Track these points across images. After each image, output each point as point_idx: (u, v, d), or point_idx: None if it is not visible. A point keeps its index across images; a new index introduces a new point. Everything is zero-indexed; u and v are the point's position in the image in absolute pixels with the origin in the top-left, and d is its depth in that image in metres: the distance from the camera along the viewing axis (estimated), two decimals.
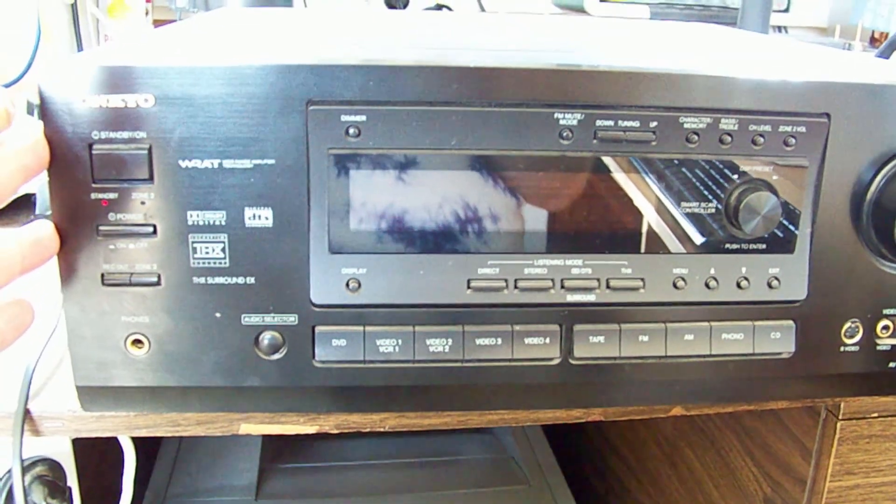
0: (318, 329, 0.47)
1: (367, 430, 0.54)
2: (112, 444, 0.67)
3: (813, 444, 0.65)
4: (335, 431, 0.54)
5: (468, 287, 0.48)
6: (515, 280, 0.48)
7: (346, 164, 0.46)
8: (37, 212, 0.69)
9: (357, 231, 0.47)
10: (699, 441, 0.80)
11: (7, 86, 0.79)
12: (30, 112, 0.74)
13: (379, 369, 0.48)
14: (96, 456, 0.76)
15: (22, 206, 0.74)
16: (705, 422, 0.80)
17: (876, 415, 0.63)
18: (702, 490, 0.80)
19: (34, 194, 0.70)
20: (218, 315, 0.47)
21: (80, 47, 1.10)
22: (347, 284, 0.47)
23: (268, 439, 0.87)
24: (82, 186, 0.45)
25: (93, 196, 0.45)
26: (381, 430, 0.54)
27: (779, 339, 0.51)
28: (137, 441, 0.69)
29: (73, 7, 1.05)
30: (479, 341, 0.48)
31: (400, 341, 0.48)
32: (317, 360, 0.48)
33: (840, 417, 0.63)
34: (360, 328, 0.48)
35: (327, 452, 0.88)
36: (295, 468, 0.85)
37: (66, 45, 1.08)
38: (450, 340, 0.48)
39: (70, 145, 0.44)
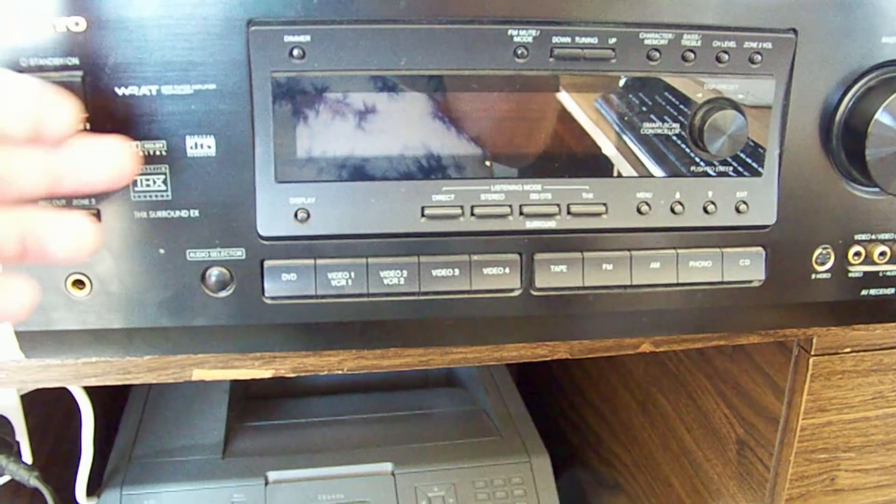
0: (267, 263, 0.45)
1: (325, 372, 0.52)
2: (72, 406, 0.65)
3: (785, 382, 0.64)
4: (291, 375, 0.52)
5: (422, 215, 0.46)
6: (472, 207, 0.46)
7: (290, 87, 0.43)
8: None
9: (304, 159, 0.44)
10: (671, 385, 0.79)
11: None
12: None
13: (332, 304, 0.46)
14: (56, 419, 0.74)
15: None
16: (676, 365, 0.78)
17: (848, 350, 0.62)
18: (675, 436, 0.79)
19: None
20: (162, 251, 0.45)
21: None
22: (296, 215, 0.45)
23: (235, 397, 0.86)
24: None
25: None
26: (340, 372, 0.52)
27: (748, 267, 0.50)
28: (101, 401, 0.67)
29: None
30: (435, 272, 0.46)
31: (353, 274, 0.46)
32: (267, 296, 0.46)
33: (812, 353, 0.61)
34: (311, 261, 0.46)
35: (295, 409, 0.87)
36: (262, 426, 0.84)
37: None
38: (405, 272, 0.46)
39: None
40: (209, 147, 0.44)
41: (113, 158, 0.38)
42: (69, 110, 0.36)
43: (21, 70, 0.42)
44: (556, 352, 0.55)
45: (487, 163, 0.46)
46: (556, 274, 0.47)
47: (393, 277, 0.46)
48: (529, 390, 0.96)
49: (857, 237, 0.51)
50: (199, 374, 0.51)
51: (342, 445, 0.81)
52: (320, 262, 0.46)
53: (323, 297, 0.46)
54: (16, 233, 0.36)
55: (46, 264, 0.39)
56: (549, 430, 0.89)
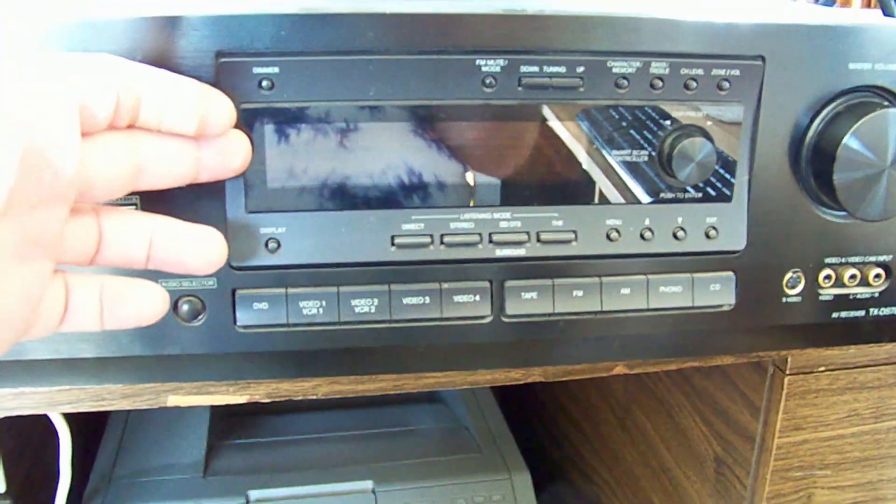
0: (239, 292, 0.46)
1: (300, 397, 0.52)
2: (49, 427, 0.65)
3: (761, 401, 0.64)
4: (267, 400, 0.52)
5: (392, 244, 0.46)
6: (441, 235, 0.46)
7: (260, 118, 0.44)
8: None
9: (274, 189, 0.45)
10: (650, 403, 0.79)
11: None
12: None
13: (304, 332, 0.47)
14: (33, 441, 0.74)
15: None
16: (655, 383, 0.79)
17: (823, 368, 0.62)
18: (654, 453, 0.79)
19: None
20: None
21: None
22: (267, 245, 0.45)
23: (216, 416, 0.86)
24: None
25: None
26: (314, 397, 0.52)
27: (718, 291, 0.50)
28: (78, 423, 0.67)
29: None
30: (406, 300, 0.47)
31: (324, 302, 0.46)
32: (239, 325, 0.46)
33: (787, 372, 0.62)
34: (282, 290, 0.46)
35: (276, 427, 0.87)
36: (243, 444, 0.84)
37: None
38: (376, 300, 0.46)
39: None
40: None
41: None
42: (228, 107, 0.40)
43: None
44: (530, 375, 0.55)
45: (457, 191, 0.46)
46: (526, 301, 0.48)
47: (364, 306, 0.46)
48: (511, 407, 0.96)
49: (828, 260, 0.52)
50: (174, 401, 0.51)
51: (323, 463, 0.81)
52: (291, 290, 0.46)
53: (295, 325, 0.46)
54: (148, 238, 0.39)
55: (173, 272, 0.41)
56: (530, 447, 0.89)
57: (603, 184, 0.47)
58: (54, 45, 0.41)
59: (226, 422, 0.87)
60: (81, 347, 0.46)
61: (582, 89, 0.46)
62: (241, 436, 0.85)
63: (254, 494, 0.76)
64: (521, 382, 0.55)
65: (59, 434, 0.58)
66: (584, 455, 0.94)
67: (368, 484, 0.79)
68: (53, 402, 0.50)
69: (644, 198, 0.48)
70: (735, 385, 0.67)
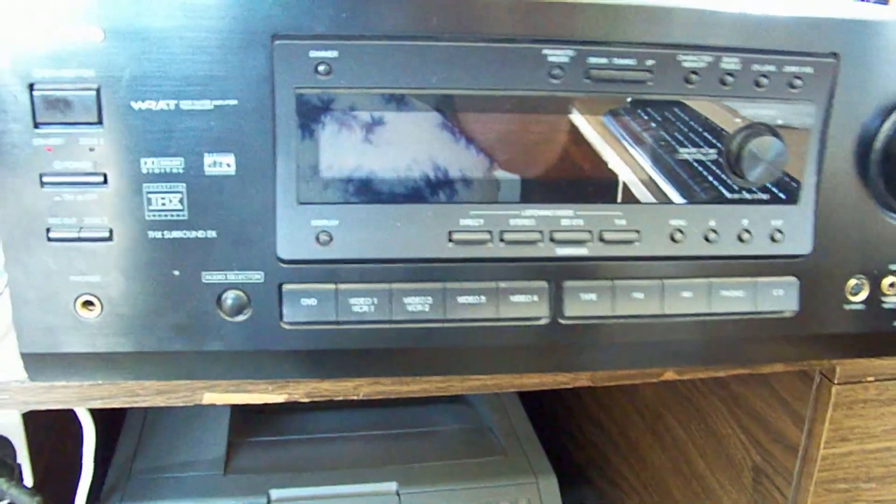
0: (286, 287, 0.43)
1: (340, 398, 0.50)
2: (70, 418, 0.62)
3: (805, 410, 0.62)
4: (305, 400, 0.50)
5: (449, 240, 0.44)
6: (501, 232, 0.44)
7: (315, 104, 0.41)
8: None
9: (328, 179, 0.42)
10: (683, 408, 0.77)
11: None
12: None
13: (353, 331, 0.44)
14: (55, 430, 0.71)
15: None
16: (689, 388, 0.77)
17: (872, 378, 0.60)
18: (686, 459, 0.77)
19: None
20: (176, 273, 0.43)
21: None
22: (318, 238, 0.43)
23: (236, 411, 0.83)
24: (23, 132, 0.40)
25: (35, 142, 0.41)
26: (355, 398, 0.50)
27: (781, 297, 0.48)
28: (99, 414, 0.64)
29: None
30: (461, 299, 0.45)
31: (375, 300, 0.44)
32: (285, 321, 0.44)
33: (835, 382, 0.60)
34: (332, 286, 0.44)
35: (297, 425, 0.84)
36: (264, 441, 0.82)
37: None
38: (430, 299, 0.44)
39: (7, 86, 0.40)
40: (228, 165, 0.42)
41: None
42: None
43: (33, 82, 0.40)
44: (578, 380, 0.53)
45: (518, 187, 0.44)
46: (585, 303, 0.46)
47: (417, 304, 0.44)
48: (534, 407, 0.94)
49: (893, 267, 0.50)
50: (209, 398, 0.49)
51: (346, 463, 0.79)
52: (342, 286, 0.44)
53: (344, 323, 0.44)
54: None
55: None
56: (553, 449, 0.87)
57: (668, 183, 0.45)
58: (110, 17, 0.39)
59: (247, 418, 0.84)
60: (119, 342, 0.44)
61: (651, 83, 0.44)
62: (263, 433, 0.82)
63: (275, 494, 0.74)
64: (567, 387, 0.53)
65: (84, 428, 0.56)
66: (609, 459, 0.92)
67: (392, 486, 0.77)
68: (85, 396, 0.48)
69: (709, 198, 0.46)
70: (776, 392, 0.65)
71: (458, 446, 0.84)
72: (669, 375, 0.55)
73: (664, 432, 0.80)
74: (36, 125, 0.40)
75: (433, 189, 0.43)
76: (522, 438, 0.85)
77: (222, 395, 0.49)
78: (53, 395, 0.48)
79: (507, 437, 0.85)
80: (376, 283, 0.44)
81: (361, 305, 0.44)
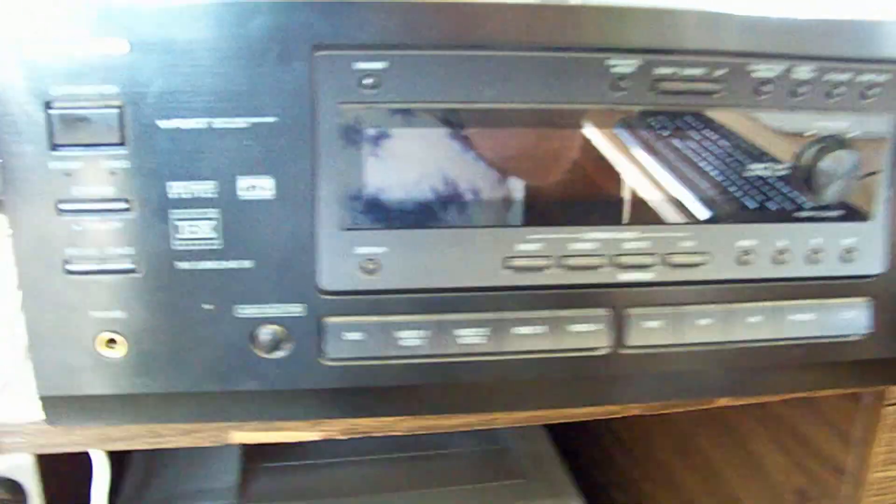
0: (328, 320, 0.40)
1: (379, 434, 0.46)
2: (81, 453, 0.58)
3: (853, 432, 0.59)
4: (342, 437, 0.46)
5: (505, 266, 0.40)
6: (560, 257, 0.41)
7: (360, 121, 0.38)
8: None
9: (374, 202, 0.39)
10: (716, 428, 0.74)
11: None
12: None
13: (399, 366, 0.41)
14: (63, 465, 0.67)
15: None
16: (721, 408, 0.73)
17: None
18: (721, 482, 0.74)
19: None
20: (208, 307, 0.39)
21: None
22: (363, 266, 0.39)
23: None
24: (38, 154, 0.37)
25: (51, 166, 0.37)
26: (395, 433, 0.47)
27: (852, 319, 0.45)
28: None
29: None
30: (516, 330, 0.41)
31: (425, 332, 0.40)
32: (326, 357, 0.40)
33: (885, 403, 0.57)
34: (379, 318, 0.40)
35: (312, 449, 0.80)
36: (279, 467, 0.78)
37: None
38: (483, 330, 0.41)
39: (22, 104, 0.36)
40: (266, 189, 0.38)
41: None
42: None
43: (50, 100, 0.36)
44: (628, 409, 0.50)
45: (578, 208, 0.41)
46: (649, 330, 0.42)
47: (470, 336, 0.41)
48: (553, 426, 0.91)
49: None
50: (238, 437, 0.45)
51: (363, 489, 0.75)
52: (388, 318, 0.40)
53: (390, 358, 0.40)
54: None
55: None
56: (573, 470, 0.84)
57: (737, 201, 0.42)
58: (135, 28, 0.35)
59: (259, 443, 0.80)
60: (144, 383, 0.40)
61: (719, 94, 0.40)
62: (276, 458, 0.78)
63: None
64: (617, 416, 0.50)
65: (96, 469, 0.52)
66: (635, 481, 0.88)
67: None
68: (105, 438, 0.44)
69: (779, 217, 0.42)
70: (822, 413, 0.62)
71: (478, 469, 0.80)
72: (723, 402, 0.52)
73: (695, 453, 0.77)
74: (53, 147, 0.37)
75: (487, 211, 0.40)
76: (545, 460, 0.82)
77: (252, 434, 0.45)
78: (72, 437, 0.44)
79: (529, 459, 0.81)
80: (427, 315, 0.40)
81: (410, 339, 0.40)
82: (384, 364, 0.41)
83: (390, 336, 0.40)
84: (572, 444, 0.98)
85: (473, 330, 0.41)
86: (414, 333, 0.40)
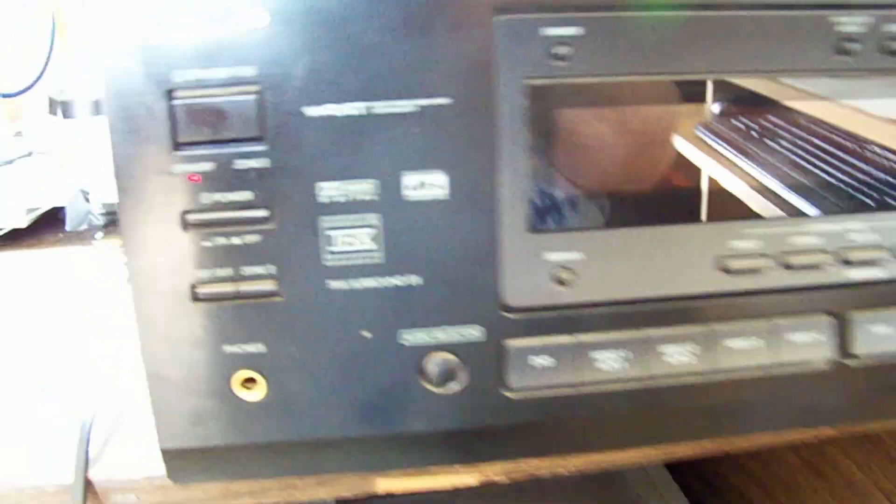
0: (512, 344, 0.33)
1: (546, 473, 0.39)
2: None
3: None
4: (505, 480, 0.39)
5: (719, 268, 0.34)
6: (781, 254, 0.34)
7: (551, 100, 0.31)
8: (67, 228, 0.53)
9: (569, 198, 0.32)
10: (858, 442, 0.67)
11: (21, 92, 0.65)
12: (52, 111, 0.57)
13: (593, 395, 0.34)
14: None
15: (49, 223, 0.57)
16: None
17: None
18: (868, 500, 0.67)
19: (63, 208, 0.54)
20: (366, 335, 0.32)
21: None
22: (556, 276, 0.32)
23: None
24: (159, 155, 0.30)
25: (175, 169, 0.30)
26: (563, 471, 0.40)
27: None
28: None
29: None
30: (729, 343, 0.34)
31: (627, 352, 0.33)
32: (508, 388, 0.33)
33: None
34: (572, 338, 0.33)
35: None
36: None
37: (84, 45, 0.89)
38: (693, 346, 0.34)
39: (138, 94, 0.29)
40: (438, 186, 0.31)
41: None
42: None
43: (172, 87, 0.29)
44: (823, 433, 0.43)
45: (799, 197, 0.34)
46: (880, 336, 0.35)
47: (678, 354, 0.34)
48: None
49: None
50: (384, 486, 0.38)
51: None
52: (584, 338, 0.33)
53: (584, 385, 0.34)
54: None
55: None
56: (683, 489, 0.77)
57: None
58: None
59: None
60: (287, 429, 0.33)
61: None
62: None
63: None
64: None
65: None
66: (751, 500, 0.81)
67: None
68: (230, 493, 0.37)
69: None
70: None
71: (588, 495, 0.73)
72: None
73: (831, 471, 0.70)
74: (176, 146, 0.30)
75: (696, 205, 0.33)
76: (659, 485, 0.75)
77: (400, 481, 0.38)
78: (191, 493, 0.37)
79: (641, 484, 0.74)
80: (627, 331, 0.33)
81: (609, 361, 0.33)
82: (575, 393, 0.34)
83: (585, 358, 0.33)
84: (679, 465, 0.90)
85: (681, 346, 0.34)
86: (613, 354, 0.33)
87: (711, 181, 0.33)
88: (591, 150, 0.32)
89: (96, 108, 0.46)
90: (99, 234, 0.51)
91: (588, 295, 0.33)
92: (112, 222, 0.51)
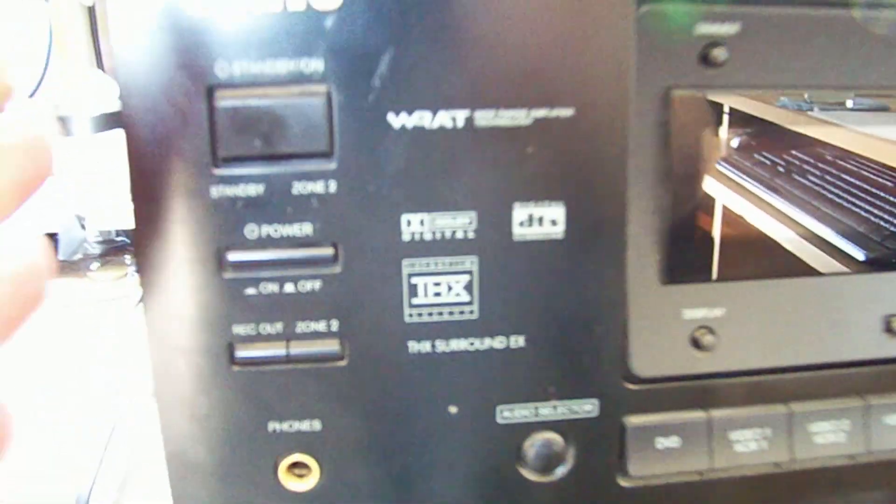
0: (633, 421, 0.26)
1: None
2: None
3: None
4: None
5: (886, 328, 0.27)
6: None
7: (699, 113, 0.24)
8: (60, 257, 0.45)
9: (713, 240, 0.25)
10: None
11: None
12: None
13: (724, 481, 0.27)
14: None
15: None
16: None
17: None
18: None
19: (56, 234, 0.46)
20: (453, 410, 0.25)
21: (99, 62, 0.80)
22: (695, 339, 0.26)
23: None
24: (193, 174, 0.22)
25: (215, 192, 0.23)
26: None
27: None
28: None
29: (92, 11, 0.75)
30: (887, 420, 0.28)
31: (769, 431, 0.27)
32: (627, 475, 0.26)
33: None
34: (704, 414, 0.26)
35: None
36: None
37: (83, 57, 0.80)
38: (846, 423, 0.27)
39: (170, 93, 0.22)
40: (552, 222, 0.24)
41: None
42: None
43: (214, 84, 0.22)
44: None
45: None
46: None
47: (829, 432, 0.27)
48: None
49: None
50: None
51: None
52: (717, 414, 0.27)
53: (716, 470, 0.27)
54: None
55: None
56: None
57: None
58: None
59: None
60: None
61: None
62: None
63: None
64: None
65: None
66: None
67: None
68: None
69: None
70: None
71: None
72: None
73: None
74: (217, 162, 0.22)
75: (862, 251, 0.27)
76: None
77: None
78: None
79: None
80: (768, 405, 0.27)
81: (747, 442, 0.27)
82: (702, 480, 0.27)
83: (721, 439, 0.27)
84: None
85: (833, 423, 0.27)
86: (753, 433, 0.27)
87: (884, 219, 0.27)
88: (747, 175, 0.25)
89: (96, 125, 0.40)
90: (95, 265, 0.43)
91: (728, 361, 0.26)
92: (109, 252, 0.43)
